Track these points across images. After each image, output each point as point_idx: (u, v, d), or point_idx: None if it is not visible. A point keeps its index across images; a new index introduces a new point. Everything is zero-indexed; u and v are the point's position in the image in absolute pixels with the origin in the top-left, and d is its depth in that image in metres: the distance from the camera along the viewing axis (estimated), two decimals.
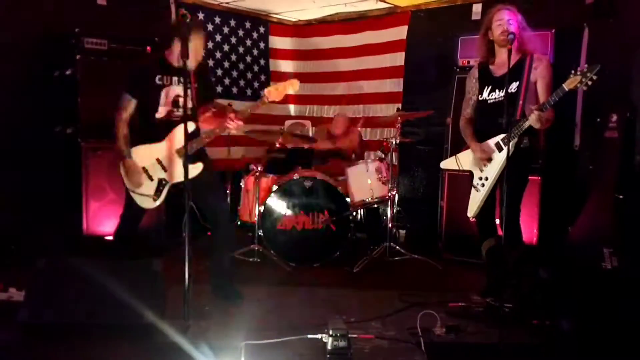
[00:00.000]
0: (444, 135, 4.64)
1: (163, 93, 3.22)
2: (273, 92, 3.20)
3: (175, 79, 3.25)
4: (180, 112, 3.23)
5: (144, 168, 3.24)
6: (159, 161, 3.24)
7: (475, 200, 3.32)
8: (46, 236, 3.80)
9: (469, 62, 4.48)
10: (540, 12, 3.33)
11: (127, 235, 3.39)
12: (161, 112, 3.24)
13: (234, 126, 3.21)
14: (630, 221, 3.52)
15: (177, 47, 3.11)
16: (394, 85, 5.72)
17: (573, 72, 2.89)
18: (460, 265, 4.33)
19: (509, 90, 3.14)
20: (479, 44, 3.36)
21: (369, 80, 5.94)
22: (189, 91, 3.11)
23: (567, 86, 2.89)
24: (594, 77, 2.82)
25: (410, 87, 5.62)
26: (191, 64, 3.06)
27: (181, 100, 3.20)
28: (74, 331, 2.68)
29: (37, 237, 3.83)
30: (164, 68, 3.25)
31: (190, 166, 2.93)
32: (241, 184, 4.78)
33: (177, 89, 3.24)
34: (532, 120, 2.99)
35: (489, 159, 3.24)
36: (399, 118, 4.50)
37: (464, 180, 3.96)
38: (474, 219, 3.43)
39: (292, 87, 3.27)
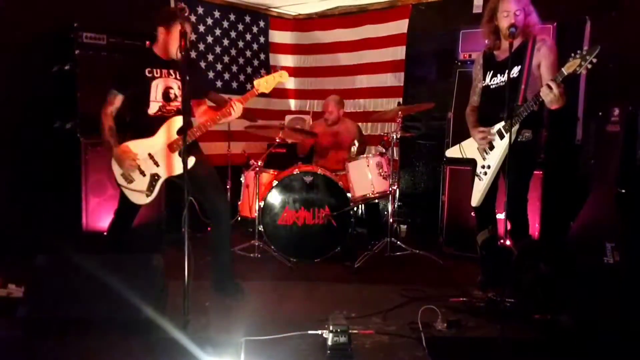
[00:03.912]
0: (445, 130, 4.62)
1: (153, 86, 3.19)
2: (262, 83, 3.23)
3: (165, 71, 3.23)
4: (172, 105, 3.23)
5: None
6: (151, 156, 3.21)
7: (479, 189, 3.29)
8: (45, 232, 3.79)
9: (470, 55, 4.46)
10: (542, 5, 3.29)
11: (121, 231, 3.37)
12: (153, 109, 3.21)
13: (237, 108, 3.19)
14: (632, 215, 3.51)
15: (161, 36, 3.16)
16: (395, 79, 5.69)
17: (573, 55, 2.83)
18: (462, 260, 4.32)
19: (511, 75, 3.11)
20: (485, 32, 3.29)
21: (370, 75, 5.92)
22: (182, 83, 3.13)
23: (566, 70, 2.83)
24: (594, 60, 2.75)
25: (411, 81, 5.60)
26: (175, 51, 3.06)
27: (172, 92, 3.20)
28: (74, 327, 2.67)
29: (37, 232, 3.82)
30: (153, 60, 3.22)
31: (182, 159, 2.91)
32: (241, 179, 4.77)
33: (166, 81, 3.22)
34: (544, 92, 2.86)
35: (489, 144, 3.20)
36: (400, 112, 4.48)
37: (465, 174, 3.94)
38: (474, 213, 3.42)
39: (282, 78, 3.30)
